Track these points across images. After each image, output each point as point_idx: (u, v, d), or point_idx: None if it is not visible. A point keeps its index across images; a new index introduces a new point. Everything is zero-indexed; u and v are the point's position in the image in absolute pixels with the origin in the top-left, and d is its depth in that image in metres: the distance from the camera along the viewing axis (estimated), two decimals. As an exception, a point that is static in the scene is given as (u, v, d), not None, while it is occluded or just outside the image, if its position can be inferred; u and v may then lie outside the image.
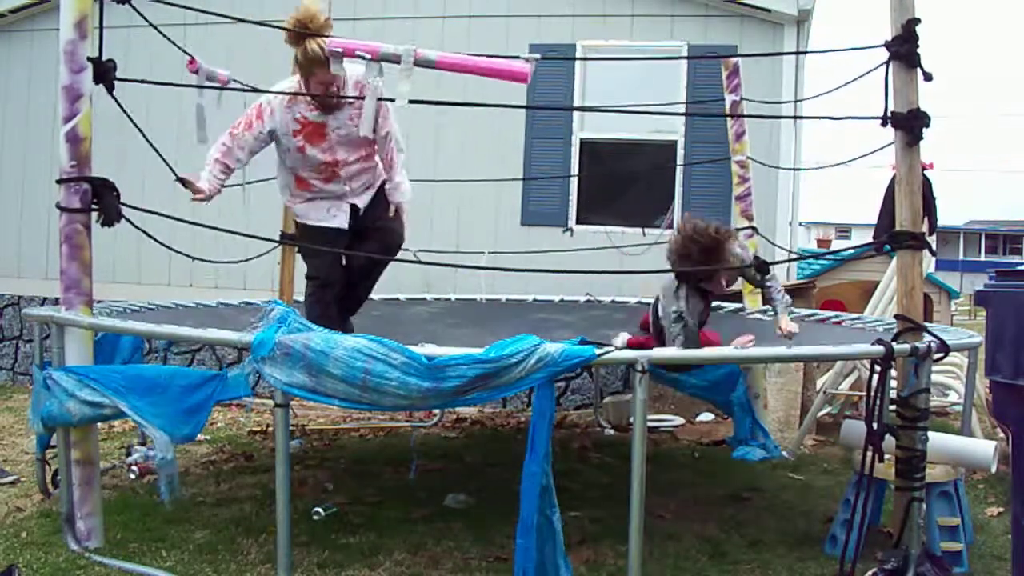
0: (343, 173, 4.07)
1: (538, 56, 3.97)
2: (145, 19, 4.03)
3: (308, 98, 3.88)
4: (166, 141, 4.45)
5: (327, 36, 3.74)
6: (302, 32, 3.72)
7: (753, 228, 5.79)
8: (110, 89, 3.59)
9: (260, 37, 7.65)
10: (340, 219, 4.13)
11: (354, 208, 4.16)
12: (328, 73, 3.75)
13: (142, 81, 3.74)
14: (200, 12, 4.24)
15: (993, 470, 3.65)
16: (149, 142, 3.98)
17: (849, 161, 4.60)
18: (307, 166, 4.01)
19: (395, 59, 3.73)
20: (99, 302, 4.20)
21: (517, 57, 3.98)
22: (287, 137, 3.94)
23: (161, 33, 4.39)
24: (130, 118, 3.94)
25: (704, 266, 3.82)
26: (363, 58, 3.71)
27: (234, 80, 5.09)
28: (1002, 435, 4.72)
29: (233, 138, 3.90)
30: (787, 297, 4.16)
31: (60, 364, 3.53)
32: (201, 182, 3.87)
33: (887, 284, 6.04)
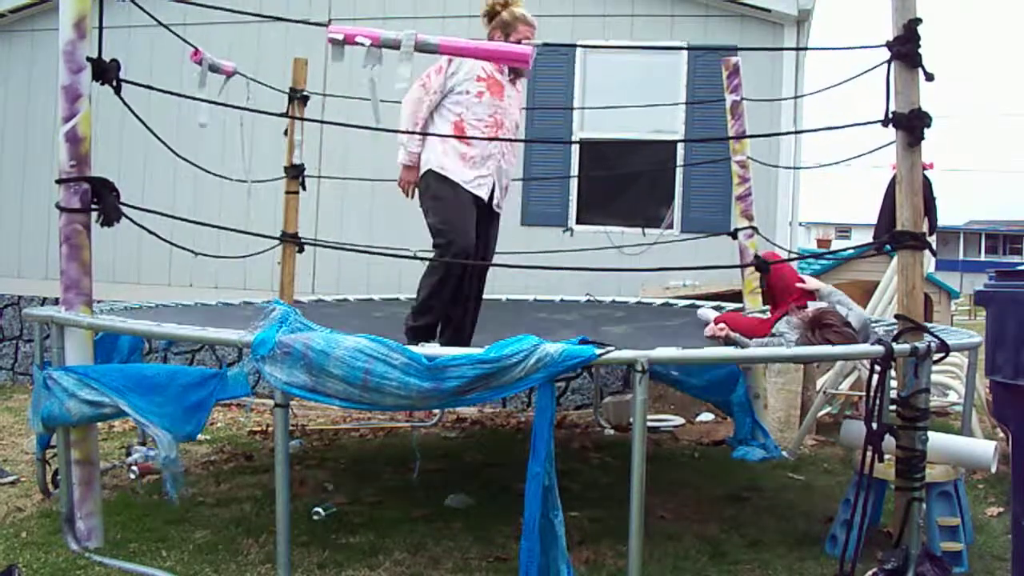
0: (503, 143, 4.14)
1: (539, 42, 4.05)
2: (147, 12, 4.03)
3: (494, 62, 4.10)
4: (166, 133, 4.46)
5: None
6: (493, 12, 4.19)
7: (753, 228, 5.78)
8: (117, 90, 3.60)
9: (258, 35, 7.71)
10: (484, 190, 4.12)
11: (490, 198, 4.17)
12: (527, 29, 4.15)
13: (146, 86, 3.76)
14: (201, 6, 4.25)
15: (993, 470, 3.65)
16: (185, 157, 3.98)
17: (849, 160, 4.61)
18: (479, 113, 4.05)
19: (396, 45, 3.75)
20: (99, 302, 4.21)
21: (518, 43, 4.05)
22: (470, 81, 4.05)
23: (164, 26, 4.39)
24: (146, 125, 3.95)
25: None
26: (364, 44, 3.73)
27: (238, 72, 5.10)
28: (1002, 435, 4.72)
29: (425, 89, 4.04)
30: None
31: (60, 364, 3.52)
32: (405, 173, 4.10)
33: (887, 284, 6.05)
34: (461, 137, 4.02)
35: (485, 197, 4.12)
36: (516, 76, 4.21)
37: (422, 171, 4.11)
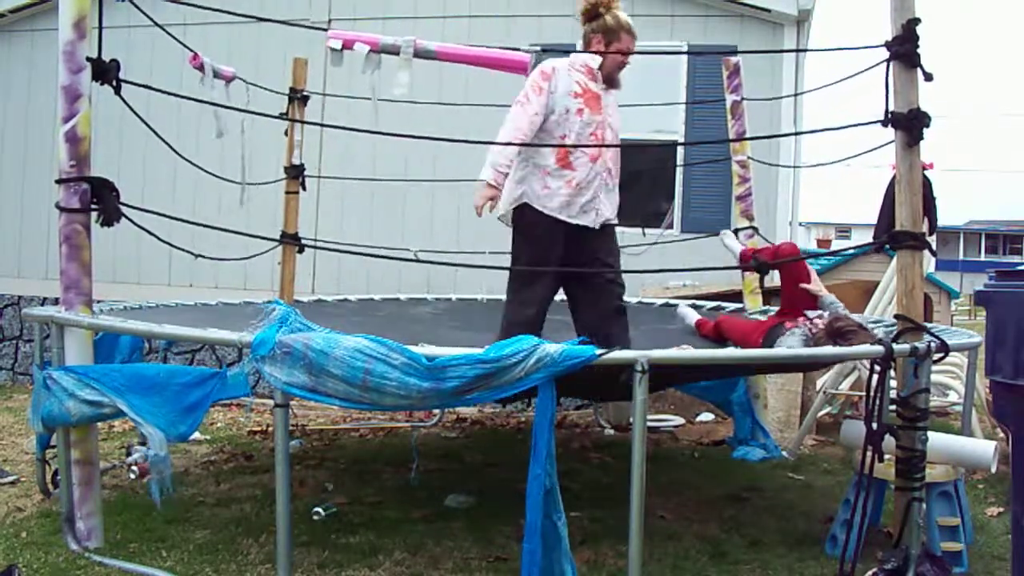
0: (606, 154, 3.83)
1: (538, 48, 3.96)
2: (146, 15, 4.04)
3: (585, 71, 3.85)
4: (166, 133, 4.46)
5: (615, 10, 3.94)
6: (595, 14, 3.91)
7: (753, 228, 5.78)
8: (117, 90, 3.60)
9: (257, 36, 7.71)
10: (590, 217, 3.82)
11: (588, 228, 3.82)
12: (630, 40, 3.87)
13: (145, 86, 3.76)
14: (201, 8, 4.25)
15: (993, 470, 3.65)
16: (196, 164, 3.98)
17: (850, 158, 4.62)
18: (580, 132, 3.77)
19: (395, 51, 3.73)
20: (99, 302, 4.21)
21: (517, 49, 3.99)
22: (567, 98, 3.76)
23: (162, 28, 4.39)
24: (147, 124, 3.95)
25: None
26: (362, 51, 3.72)
27: (238, 78, 5.11)
28: (1002, 435, 4.72)
29: (524, 109, 3.72)
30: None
31: (60, 364, 3.52)
32: (485, 190, 3.65)
33: (887, 284, 6.04)
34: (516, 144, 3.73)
35: (594, 225, 3.82)
36: (610, 85, 3.93)
37: (519, 201, 3.81)
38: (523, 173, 3.80)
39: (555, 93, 3.77)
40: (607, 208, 3.89)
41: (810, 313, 4.06)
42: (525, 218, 3.81)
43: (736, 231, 5.80)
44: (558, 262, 3.81)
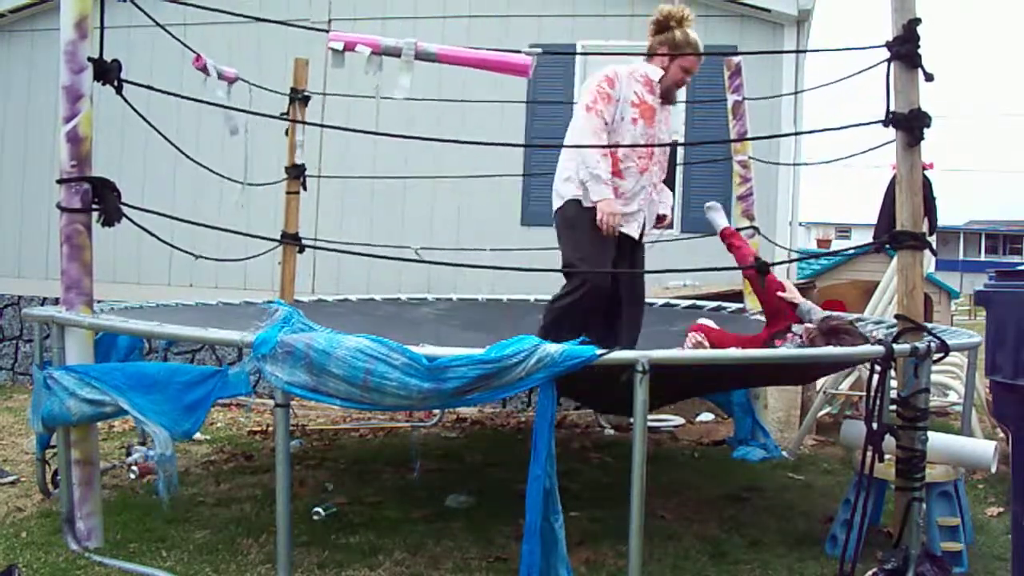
0: (653, 168, 3.88)
1: (539, 50, 3.97)
2: (147, 15, 4.04)
3: (644, 82, 3.82)
4: (167, 132, 4.45)
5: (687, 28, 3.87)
6: (665, 26, 3.87)
7: (754, 228, 5.79)
8: (119, 90, 3.60)
9: (257, 36, 7.71)
10: (635, 227, 3.91)
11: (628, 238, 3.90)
12: (695, 59, 3.83)
13: (147, 86, 3.75)
14: (202, 8, 4.25)
15: (993, 470, 3.65)
16: (200, 162, 3.98)
17: (850, 156, 4.62)
18: (633, 140, 3.78)
19: (396, 53, 3.73)
20: (99, 302, 4.21)
21: (518, 51, 3.99)
22: (625, 106, 3.77)
23: (164, 29, 4.39)
24: (151, 124, 3.94)
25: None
26: (364, 53, 3.72)
27: (241, 79, 5.11)
28: (1002, 435, 4.72)
29: (598, 118, 3.72)
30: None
31: (60, 364, 3.52)
32: (607, 206, 3.69)
33: (887, 284, 6.05)
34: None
35: (636, 235, 3.90)
36: (666, 100, 3.92)
37: (565, 198, 3.83)
38: (572, 173, 3.80)
39: (618, 101, 3.76)
40: (648, 223, 3.94)
41: (796, 328, 4.06)
42: (574, 215, 3.79)
43: (738, 231, 5.79)
44: (611, 260, 3.83)
